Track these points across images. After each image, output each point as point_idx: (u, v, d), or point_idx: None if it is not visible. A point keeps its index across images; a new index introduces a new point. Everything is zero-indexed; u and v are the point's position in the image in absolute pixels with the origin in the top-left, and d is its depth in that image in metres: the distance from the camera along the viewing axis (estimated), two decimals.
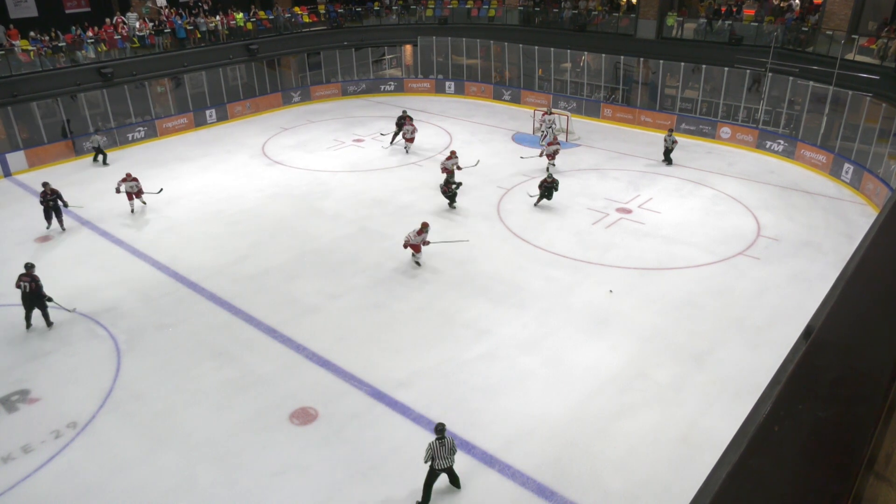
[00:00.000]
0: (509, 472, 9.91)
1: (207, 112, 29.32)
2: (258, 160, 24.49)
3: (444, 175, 20.45)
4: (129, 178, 19.52)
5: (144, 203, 20.08)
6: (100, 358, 12.96)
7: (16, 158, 24.00)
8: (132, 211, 19.71)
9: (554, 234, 17.63)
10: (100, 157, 24.48)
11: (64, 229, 18.53)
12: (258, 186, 21.75)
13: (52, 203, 18.25)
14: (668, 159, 22.94)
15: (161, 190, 20.57)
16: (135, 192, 19.45)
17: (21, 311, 13.90)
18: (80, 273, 16.27)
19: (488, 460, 10.12)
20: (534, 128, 26.72)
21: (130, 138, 26.79)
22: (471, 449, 10.35)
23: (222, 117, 29.77)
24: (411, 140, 24.75)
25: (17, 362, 12.86)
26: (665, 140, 22.87)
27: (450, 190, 19.31)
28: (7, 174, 23.64)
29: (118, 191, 19.44)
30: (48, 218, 18.34)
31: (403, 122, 25.18)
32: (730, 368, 12.07)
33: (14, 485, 9.92)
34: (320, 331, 13.59)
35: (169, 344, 13.35)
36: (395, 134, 25.60)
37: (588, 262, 16.14)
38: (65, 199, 18.51)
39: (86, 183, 22.53)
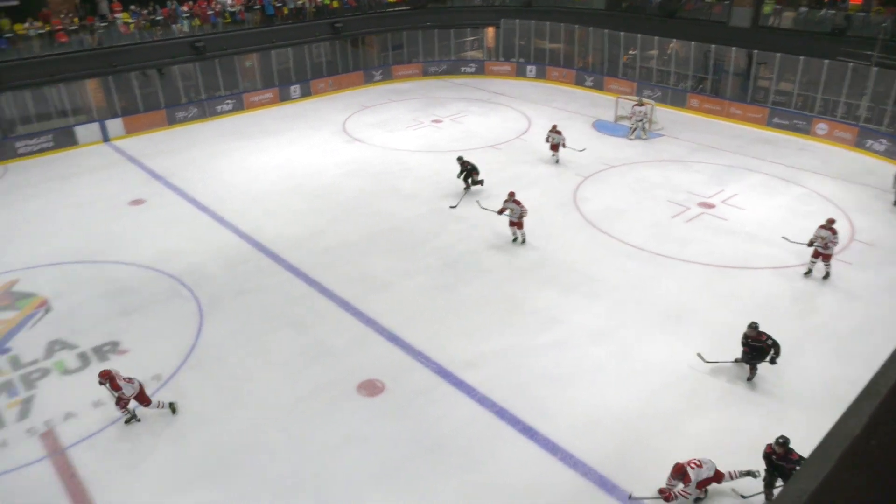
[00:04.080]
0: (571, 461, 9.86)
1: (292, 88, 30.11)
2: (339, 137, 25.00)
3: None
4: None
5: None
6: (184, 318, 13.66)
7: (114, 125, 25.43)
8: None
9: (631, 226, 17.24)
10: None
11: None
12: (338, 163, 22.23)
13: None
14: None
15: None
16: None
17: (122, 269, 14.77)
18: (170, 237, 17.13)
19: (551, 447, 10.10)
20: (616, 115, 26.09)
21: (219, 110, 27.86)
22: (533, 434, 10.35)
23: (306, 93, 30.51)
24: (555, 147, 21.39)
25: (110, 316, 13.73)
26: None
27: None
28: (106, 139, 25.08)
29: None
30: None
31: None
32: (809, 376, 11.54)
33: (102, 428, 10.65)
34: (391, 307, 13.84)
35: (247, 309, 13.92)
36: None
37: (665, 255, 15.73)
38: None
39: (178, 152, 23.66)
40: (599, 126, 25.68)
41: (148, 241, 16.98)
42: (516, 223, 16.01)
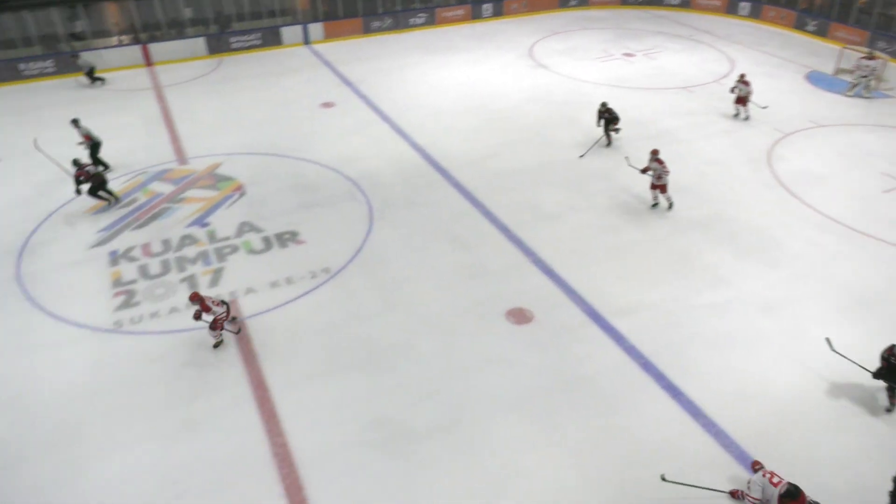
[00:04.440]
0: (713, 429, 9.42)
1: (484, 6, 29.78)
2: (524, 61, 24.52)
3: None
4: None
5: None
6: (356, 218, 14.56)
7: (315, 29, 26.87)
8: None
9: (831, 194, 15.45)
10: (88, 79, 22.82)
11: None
12: (520, 87, 21.92)
13: None
14: None
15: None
16: None
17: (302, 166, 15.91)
18: (352, 141, 18.14)
19: (694, 411, 9.70)
20: (836, 68, 23.03)
21: (411, 23, 28.36)
22: (677, 394, 9.98)
23: (497, 13, 30.07)
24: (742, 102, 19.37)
25: (293, 209, 14.97)
26: None
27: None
28: (306, 42, 26.64)
29: None
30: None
31: None
32: None
33: (275, 307, 11.83)
34: (552, 240, 13.72)
35: (414, 220, 14.49)
36: None
37: (866, 233, 13.99)
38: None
39: (370, 60, 24.61)
40: (814, 78, 22.87)
41: (333, 143, 18.09)
42: (658, 185, 14.61)
